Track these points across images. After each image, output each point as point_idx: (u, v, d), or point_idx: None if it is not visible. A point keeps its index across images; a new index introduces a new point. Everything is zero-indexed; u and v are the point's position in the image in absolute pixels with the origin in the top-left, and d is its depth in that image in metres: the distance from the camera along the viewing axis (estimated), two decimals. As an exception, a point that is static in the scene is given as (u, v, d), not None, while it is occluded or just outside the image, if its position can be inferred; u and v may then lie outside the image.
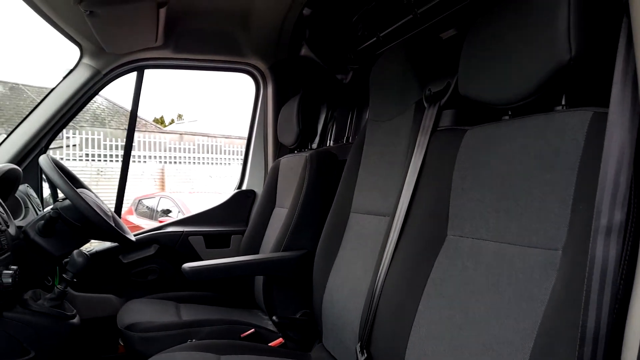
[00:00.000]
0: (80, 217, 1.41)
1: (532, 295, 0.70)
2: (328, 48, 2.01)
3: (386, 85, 1.30)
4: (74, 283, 1.41)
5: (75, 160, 10.35)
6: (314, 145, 2.14)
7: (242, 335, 1.48)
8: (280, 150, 2.21)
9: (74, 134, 10.72)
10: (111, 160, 10.83)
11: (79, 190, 1.53)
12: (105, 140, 10.96)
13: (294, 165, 1.81)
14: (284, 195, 1.86)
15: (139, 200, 8.12)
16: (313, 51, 2.06)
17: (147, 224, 7.38)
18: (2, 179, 1.44)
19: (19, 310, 1.16)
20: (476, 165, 0.88)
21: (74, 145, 10.64)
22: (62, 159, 10.18)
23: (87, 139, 10.79)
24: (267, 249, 1.76)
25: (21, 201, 1.65)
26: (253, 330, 1.50)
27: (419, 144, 1.05)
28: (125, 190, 2.14)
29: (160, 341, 1.40)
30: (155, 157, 11.84)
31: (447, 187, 0.94)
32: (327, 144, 2.13)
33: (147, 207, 7.82)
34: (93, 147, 10.84)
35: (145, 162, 11.52)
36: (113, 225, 1.47)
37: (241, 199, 2.22)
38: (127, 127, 2.14)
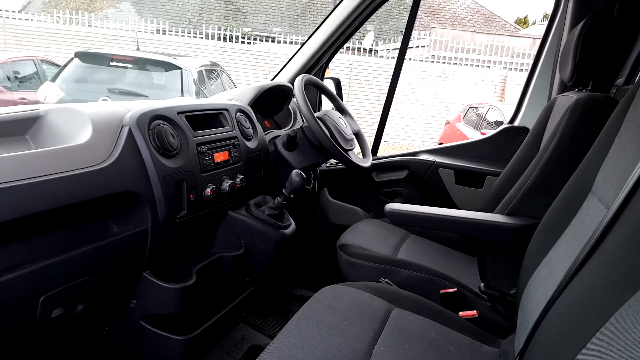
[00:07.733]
0: (317, 138, 1.53)
1: None
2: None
3: None
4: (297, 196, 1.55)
5: (421, 61, 10.92)
6: (619, 82, 1.60)
7: (441, 292, 1.37)
8: (567, 85, 1.74)
9: (424, 35, 11.22)
10: (454, 64, 10.94)
11: (323, 111, 1.64)
12: (452, 43, 11.07)
13: (561, 108, 1.41)
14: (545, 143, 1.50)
15: (469, 108, 8.04)
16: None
17: (470, 134, 7.31)
18: (268, 95, 1.68)
19: (241, 212, 1.40)
20: None
21: (423, 47, 11.20)
22: (410, 59, 10.90)
23: (435, 41, 11.13)
24: None
25: (292, 113, 1.90)
26: (455, 289, 1.37)
27: None
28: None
29: (358, 270, 1.44)
30: (500, 62, 11.28)
31: None
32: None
33: (476, 115, 7.68)
34: (440, 49, 11.14)
35: (489, 67, 11.15)
36: (342, 151, 1.54)
37: (509, 136, 1.91)
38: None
